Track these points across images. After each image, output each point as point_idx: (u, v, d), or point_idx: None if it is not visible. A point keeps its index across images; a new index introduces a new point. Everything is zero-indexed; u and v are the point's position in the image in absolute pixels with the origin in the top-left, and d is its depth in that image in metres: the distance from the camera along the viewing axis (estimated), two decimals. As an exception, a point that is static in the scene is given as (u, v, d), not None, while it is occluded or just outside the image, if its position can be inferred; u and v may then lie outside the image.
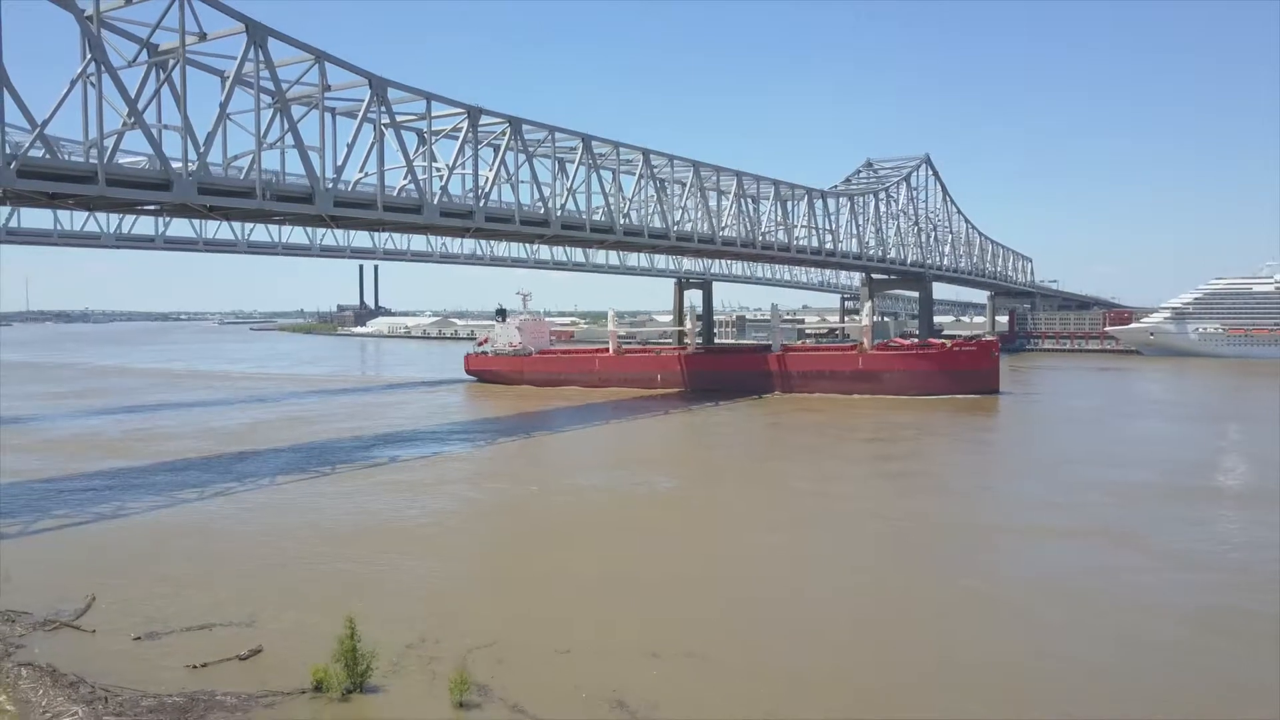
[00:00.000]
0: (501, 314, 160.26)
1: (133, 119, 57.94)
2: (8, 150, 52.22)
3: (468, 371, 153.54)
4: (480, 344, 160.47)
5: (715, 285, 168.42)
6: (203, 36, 64.08)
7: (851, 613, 36.51)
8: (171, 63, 61.62)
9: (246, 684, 28.42)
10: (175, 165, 60.56)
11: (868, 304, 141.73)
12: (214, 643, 32.02)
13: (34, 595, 37.49)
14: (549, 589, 39.52)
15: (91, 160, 57.07)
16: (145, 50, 63.86)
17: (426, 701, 27.32)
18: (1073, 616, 35.25)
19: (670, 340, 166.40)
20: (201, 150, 61.66)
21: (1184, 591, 38.77)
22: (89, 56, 55.12)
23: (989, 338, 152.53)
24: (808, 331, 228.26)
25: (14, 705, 26.58)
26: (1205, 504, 56.25)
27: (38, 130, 53.18)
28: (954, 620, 35.10)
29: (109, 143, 56.97)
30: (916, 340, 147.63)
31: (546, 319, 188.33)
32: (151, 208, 71.21)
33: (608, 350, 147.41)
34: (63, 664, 29.89)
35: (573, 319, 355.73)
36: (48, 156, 55.50)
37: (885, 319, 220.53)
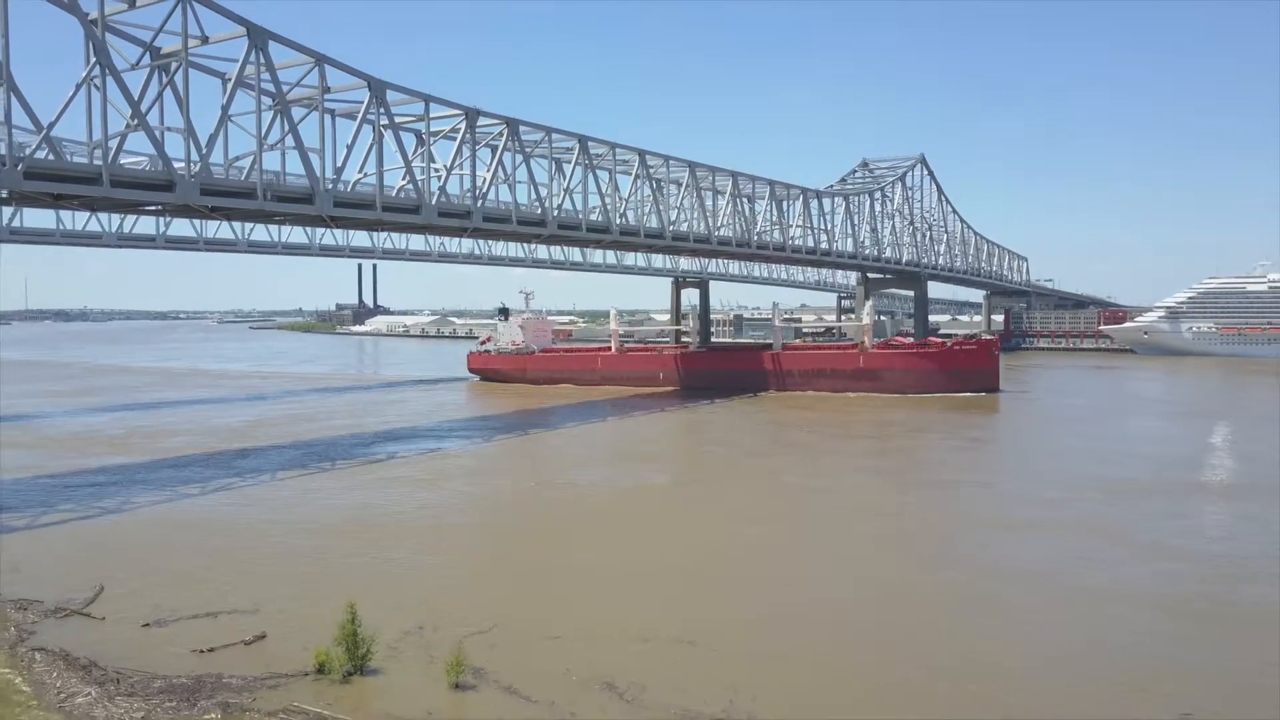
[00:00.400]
0: (504, 313, 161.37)
1: (136, 121, 59.06)
2: (15, 152, 53.40)
3: (470, 370, 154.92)
4: (483, 342, 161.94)
5: (712, 284, 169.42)
6: (204, 40, 65.14)
7: (838, 601, 37.61)
8: (174, 65, 62.67)
9: (252, 667, 29.59)
10: (178, 166, 61.73)
11: (868, 303, 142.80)
12: (219, 629, 33.22)
13: (43, 585, 38.67)
14: (543, 580, 40.76)
15: (95, 161, 58.23)
16: (148, 53, 64.94)
17: (424, 683, 28.50)
18: (1057, 608, 36.52)
19: (668, 339, 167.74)
20: (204, 152, 62.75)
21: (1175, 584, 39.65)
22: (94, 60, 56.22)
23: (988, 336, 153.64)
24: (805, 330, 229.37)
25: (30, 686, 27.75)
26: (1195, 499, 57.38)
27: (44, 133, 54.29)
28: (939, 611, 36.32)
29: (112, 144, 58.09)
30: (913, 339, 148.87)
31: (549, 318, 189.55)
32: (154, 208, 72.22)
33: (610, 349, 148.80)
34: (74, 649, 31.08)
35: (571, 318, 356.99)
36: (51, 158, 56.56)
37: (881, 318, 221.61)
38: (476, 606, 36.00)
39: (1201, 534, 48.97)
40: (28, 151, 54.24)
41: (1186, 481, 62.70)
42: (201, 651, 30.92)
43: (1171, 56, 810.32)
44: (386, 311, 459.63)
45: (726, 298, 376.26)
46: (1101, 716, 26.70)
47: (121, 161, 60.66)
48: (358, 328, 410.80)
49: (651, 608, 36.23)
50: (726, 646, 31.83)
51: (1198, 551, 44.90)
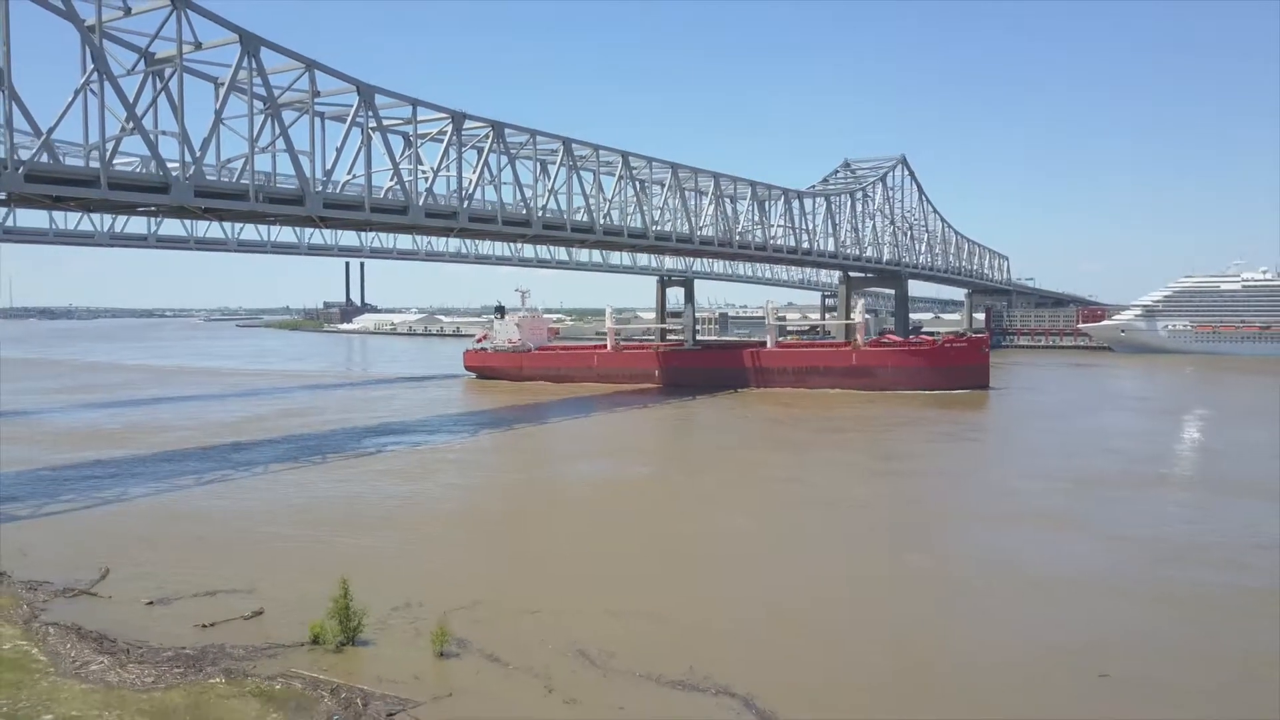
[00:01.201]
0: (500, 311, 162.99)
1: (131, 124, 61.13)
2: (15, 156, 55.40)
3: (467, 367, 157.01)
4: (479, 340, 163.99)
5: (697, 283, 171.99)
6: (198, 46, 67.17)
7: (802, 582, 40.07)
8: (168, 71, 64.76)
9: (251, 639, 31.94)
10: (171, 167, 63.81)
11: (860, 302, 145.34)
12: (219, 606, 35.52)
13: (50, 568, 40.79)
14: (525, 562, 43.36)
15: (92, 164, 60.28)
16: (143, 59, 66.96)
17: (411, 652, 30.91)
18: (1016, 590, 39.24)
19: (653, 337, 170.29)
20: (197, 154, 64.80)
21: (1134, 570, 42.08)
22: (91, 66, 58.20)
23: (977, 335, 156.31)
24: (789, 329, 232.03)
25: (46, 656, 30.03)
26: (1159, 492, 59.85)
27: (44, 138, 56.31)
28: (900, 594, 38.94)
29: (108, 147, 60.06)
30: (901, 336, 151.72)
31: (545, 315, 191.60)
32: (149, 209, 74.21)
33: (606, 346, 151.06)
34: (85, 624, 33.32)
35: (559, 315, 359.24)
36: (50, 161, 58.49)
37: (865, 316, 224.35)
38: (461, 586, 38.41)
39: (1161, 524, 51.06)
40: (28, 155, 56.32)
41: (1153, 475, 65.10)
42: (204, 626, 33.25)
43: (1170, 55, 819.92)
44: (374, 310, 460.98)
45: (713, 296, 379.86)
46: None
47: (114, 163, 62.57)
48: (345, 325, 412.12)
49: (625, 587, 38.74)
50: (692, 620, 34.39)
51: (1156, 539, 47.00)
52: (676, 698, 27.53)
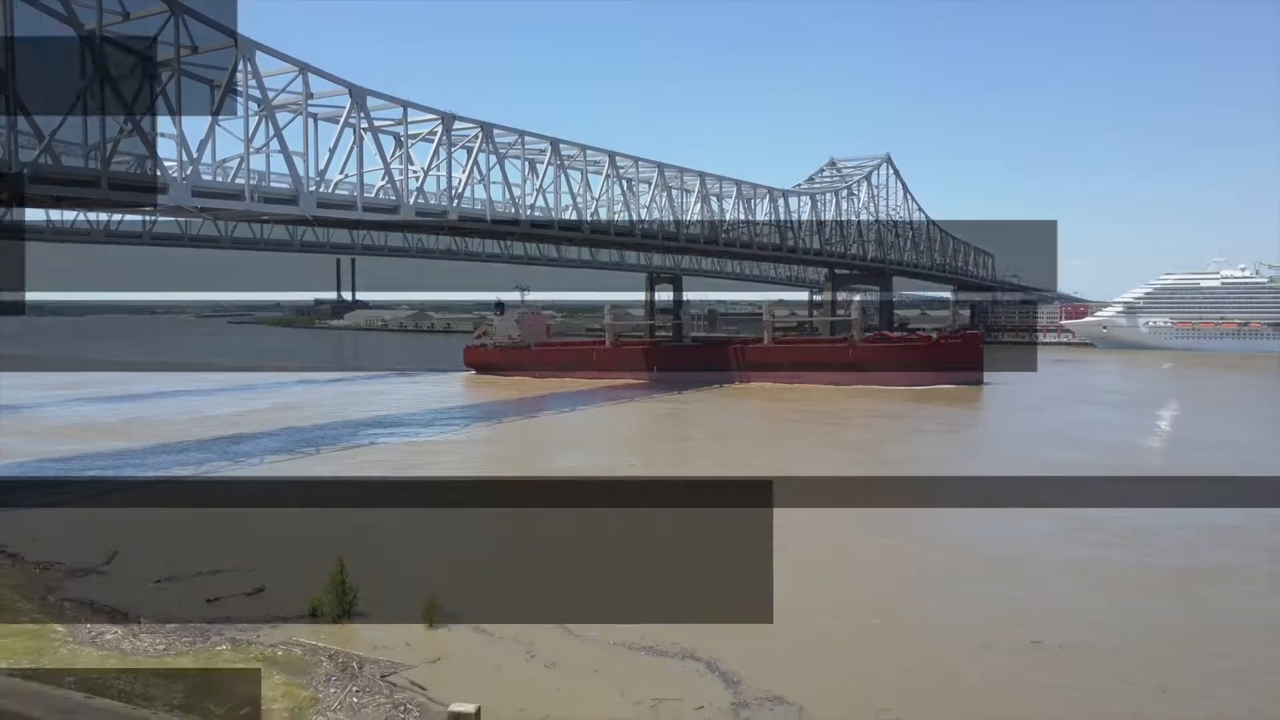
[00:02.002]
0: (500, 307, 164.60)
1: (130, 126, 63.18)
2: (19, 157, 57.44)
3: (467, 363, 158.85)
4: (478, 336, 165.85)
5: (686, 280, 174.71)
6: (195, 50, 69.13)
7: (777, 564, 42.51)
8: (165, 74, 66.79)
9: (254, 613, 34.27)
10: (169, 166, 65.88)
11: (857, 298, 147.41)
12: (223, 583, 37.80)
13: (60, 551, 42.88)
14: (511, 546, 45.82)
15: (92, 164, 62.30)
16: (141, 63, 68.90)
17: (403, 624, 33.20)
18: (978, 572, 41.82)
19: (642, 333, 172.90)
20: (195, 156, 66.87)
21: (1096, 558, 45.03)
22: (91, 69, 60.21)
23: (973, 330, 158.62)
24: (777, 325, 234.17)
25: (63, 627, 32.31)
26: (1126, 483, 60.90)
27: (45, 141, 58.31)
28: (866, 570, 41.47)
29: (108, 148, 62.08)
30: (895, 333, 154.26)
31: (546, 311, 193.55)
32: (148, 209, 76.27)
33: (604, 342, 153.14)
34: (97, 599, 35.61)
35: (549, 313, 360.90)
36: (49, 162, 60.42)
37: (858, 314, 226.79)
38: (450, 567, 40.82)
39: (1119, 511, 53.28)
40: (30, 156, 58.32)
41: (1119, 465, 67.00)
42: (209, 600, 35.57)
43: (1170, 55, 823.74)
44: (365, 306, 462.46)
45: (703, 293, 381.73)
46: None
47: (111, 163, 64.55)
48: (337, 322, 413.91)
49: (606, 568, 41.19)
50: (665, 596, 36.86)
51: (1111, 524, 49.28)
52: (648, 662, 30.00)
